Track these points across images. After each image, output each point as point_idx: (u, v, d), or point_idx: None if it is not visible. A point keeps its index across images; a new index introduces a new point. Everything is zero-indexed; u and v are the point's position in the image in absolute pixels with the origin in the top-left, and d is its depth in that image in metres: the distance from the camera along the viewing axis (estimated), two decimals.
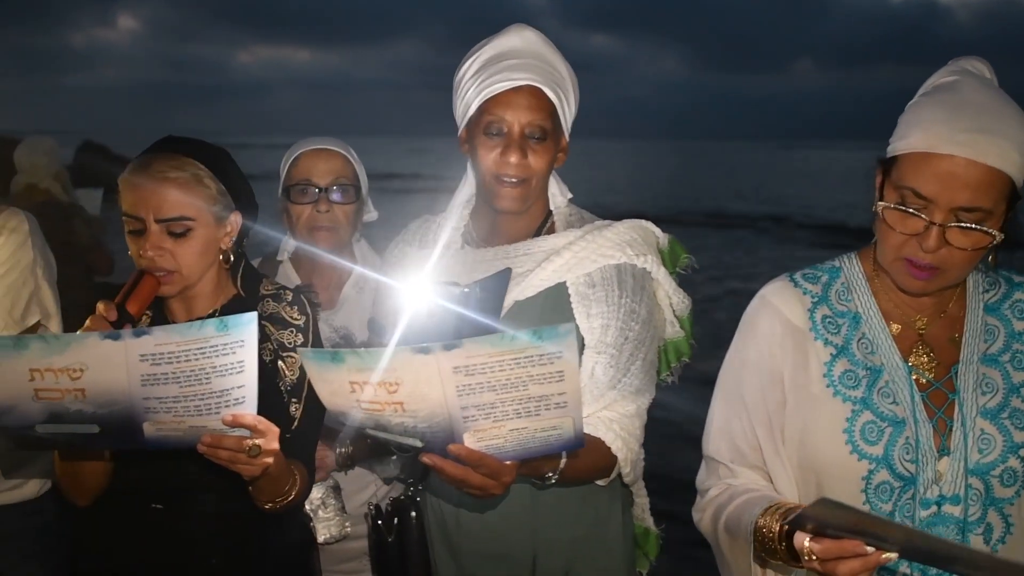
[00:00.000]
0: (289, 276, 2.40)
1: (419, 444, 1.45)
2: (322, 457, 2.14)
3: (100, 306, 1.69)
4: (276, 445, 1.59)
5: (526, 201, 1.94)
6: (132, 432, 1.51)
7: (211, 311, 1.89)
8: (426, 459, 1.47)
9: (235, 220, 1.87)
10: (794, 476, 1.65)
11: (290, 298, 1.92)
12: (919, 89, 1.64)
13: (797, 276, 1.72)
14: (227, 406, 1.50)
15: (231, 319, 1.45)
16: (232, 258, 1.89)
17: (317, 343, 1.89)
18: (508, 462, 1.50)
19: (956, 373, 1.61)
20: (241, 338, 1.45)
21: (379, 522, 2.07)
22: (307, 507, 2.23)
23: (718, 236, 20.40)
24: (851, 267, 1.71)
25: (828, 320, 1.66)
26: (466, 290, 1.72)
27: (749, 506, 1.59)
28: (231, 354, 1.46)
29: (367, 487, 2.34)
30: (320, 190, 2.33)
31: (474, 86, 1.92)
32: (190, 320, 1.85)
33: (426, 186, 27.70)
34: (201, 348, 1.44)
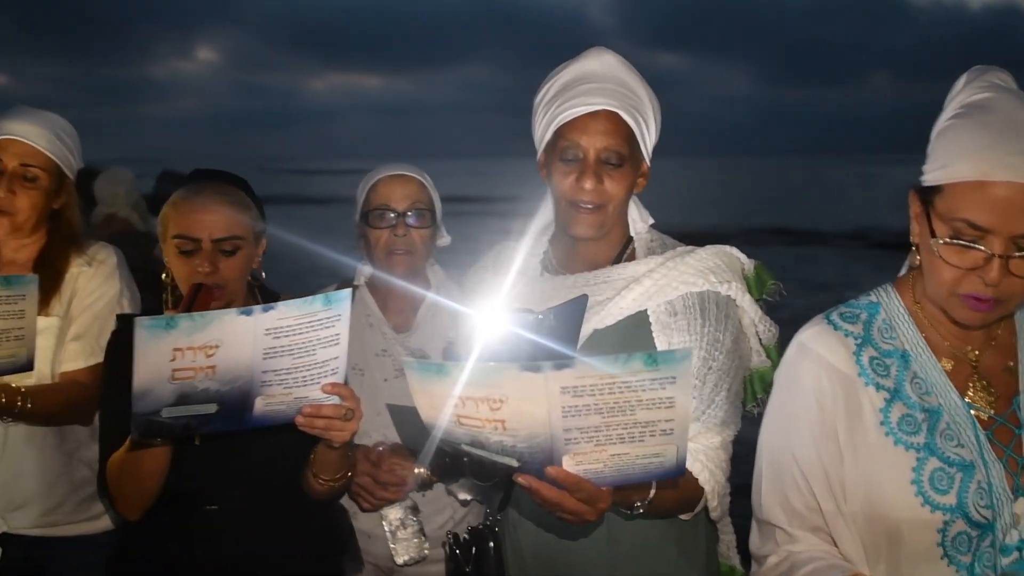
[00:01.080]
0: (366, 301, 2.44)
1: (515, 464, 1.43)
2: (402, 476, 2.17)
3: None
4: (361, 411, 1.73)
5: (602, 227, 1.90)
6: (243, 410, 1.61)
7: None
8: (521, 480, 1.45)
9: (264, 241, 2.08)
10: (860, 535, 1.54)
11: None
12: (947, 106, 1.55)
13: (834, 317, 1.62)
14: (325, 377, 1.64)
15: (333, 295, 1.59)
16: (262, 275, 2.07)
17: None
18: (604, 488, 1.46)
19: (1019, 405, 1.52)
20: (339, 312, 1.59)
21: (457, 551, 2.07)
22: (385, 528, 2.26)
23: (788, 253, 20.04)
24: (889, 301, 1.62)
25: (876, 362, 1.57)
26: (540, 317, 1.72)
27: None
28: (331, 327, 1.60)
29: (444, 509, 2.34)
30: (397, 215, 2.37)
31: (551, 110, 1.90)
32: None
33: (495, 209, 27.79)
34: (310, 321, 1.58)
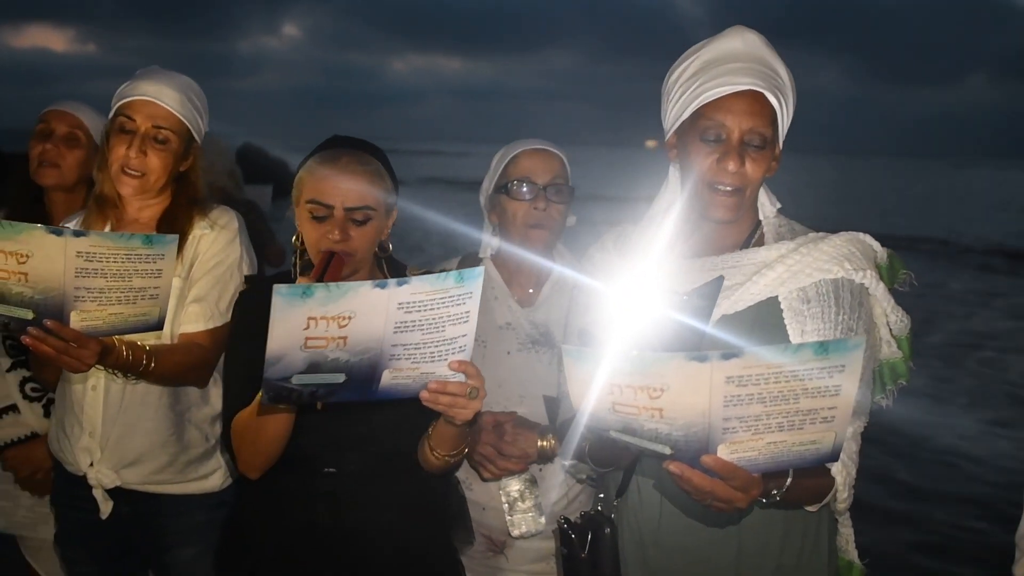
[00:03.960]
0: (491, 274, 2.46)
1: (667, 451, 1.43)
2: (525, 448, 2.20)
3: (303, 282, 1.78)
4: (485, 391, 1.72)
5: (739, 210, 1.86)
6: (370, 381, 1.62)
7: None
8: (673, 467, 1.44)
9: (395, 213, 2.06)
10: None
11: None
12: None
13: None
14: (452, 353, 1.64)
15: (466, 272, 1.58)
16: (390, 247, 2.06)
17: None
18: (756, 475, 1.46)
19: None
20: (471, 290, 1.59)
21: (572, 535, 2.03)
22: (503, 500, 2.28)
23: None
24: None
25: None
26: (685, 298, 1.68)
27: None
28: (462, 304, 1.59)
29: (560, 485, 2.35)
30: (539, 188, 2.38)
31: (690, 89, 1.85)
32: None
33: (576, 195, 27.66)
34: (442, 298, 1.57)
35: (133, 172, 2.33)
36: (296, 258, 2.05)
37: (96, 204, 2.43)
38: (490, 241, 2.50)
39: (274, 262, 5.35)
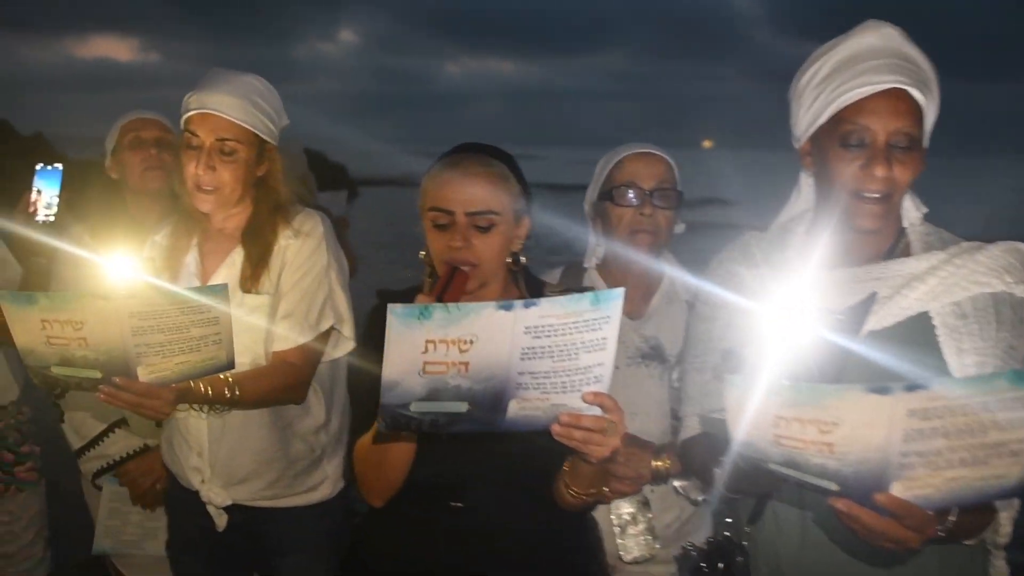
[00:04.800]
0: (596, 283, 2.38)
1: (834, 488, 1.33)
2: (639, 469, 2.10)
3: (422, 300, 1.69)
4: (625, 426, 1.57)
5: (886, 218, 1.73)
6: (495, 411, 1.50)
7: None
8: (841, 506, 1.34)
9: (525, 224, 1.92)
10: None
11: None
12: None
13: None
14: (587, 384, 1.49)
15: (603, 294, 1.44)
16: (522, 260, 1.92)
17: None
18: (931, 513, 1.34)
19: None
20: (608, 314, 1.44)
21: (703, 565, 1.92)
22: (614, 522, 2.18)
23: None
24: None
25: None
26: (839, 317, 1.57)
27: None
28: (598, 330, 1.45)
29: (671, 507, 2.25)
30: (644, 193, 2.29)
31: (826, 92, 1.73)
32: None
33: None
34: (575, 322, 1.44)
35: (206, 188, 2.28)
36: (426, 275, 1.95)
37: (182, 217, 2.40)
38: (596, 249, 2.40)
39: (350, 269, 5.34)
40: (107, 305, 1.75)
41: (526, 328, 1.43)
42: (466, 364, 1.43)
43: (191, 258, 2.39)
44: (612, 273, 2.38)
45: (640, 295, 2.37)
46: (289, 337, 2.28)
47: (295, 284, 2.30)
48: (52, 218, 2.66)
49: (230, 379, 2.14)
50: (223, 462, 2.34)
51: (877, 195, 1.69)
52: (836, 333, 1.49)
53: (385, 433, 1.61)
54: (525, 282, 1.96)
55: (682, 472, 2.12)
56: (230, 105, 2.27)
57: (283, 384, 2.28)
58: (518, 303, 1.42)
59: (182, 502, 2.44)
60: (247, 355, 2.26)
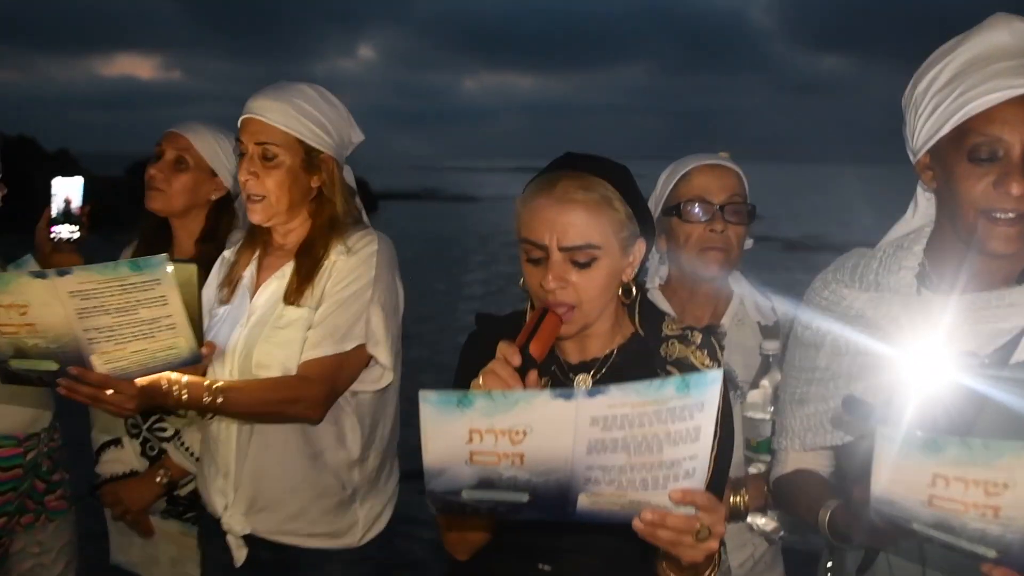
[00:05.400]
0: (660, 304, 2.18)
1: (992, 555, 1.22)
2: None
3: (504, 349, 1.50)
4: (724, 527, 1.34)
5: (1022, 240, 1.52)
6: (564, 503, 1.31)
7: (607, 352, 1.70)
8: (997, 574, 1.22)
9: (639, 248, 1.65)
10: None
11: (699, 340, 1.67)
12: None
13: None
14: (675, 480, 1.27)
15: (692, 378, 1.22)
16: (634, 292, 1.68)
17: (725, 394, 1.59)
18: None
19: None
20: (702, 400, 1.22)
21: None
22: None
23: None
24: None
25: None
26: (986, 361, 1.40)
27: None
28: (688, 419, 1.23)
29: (745, 545, 2.13)
30: (715, 208, 2.14)
31: (949, 99, 1.53)
32: (582, 362, 1.69)
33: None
34: (658, 411, 1.22)
35: (254, 196, 2.19)
36: (528, 305, 1.76)
37: (248, 234, 2.34)
38: (659, 269, 2.25)
39: None
40: (45, 284, 1.69)
41: (592, 419, 1.23)
42: (521, 456, 1.25)
43: (249, 271, 2.32)
44: (678, 293, 2.24)
45: (709, 316, 2.23)
46: (311, 348, 2.16)
47: (332, 295, 2.18)
48: (77, 234, 2.60)
49: (215, 385, 2.03)
50: (246, 485, 2.22)
51: (1012, 215, 1.49)
52: (978, 378, 1.31)
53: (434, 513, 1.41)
54: (640, 314, 1.72)
55: (760, 507, 2.01)
56: (274, 109, 2.18)
57: (282, 397, 2.13)
58: (580, 391, 1.23)
59: (210, 531, 2.33)
60: (278, 369, 2.15)
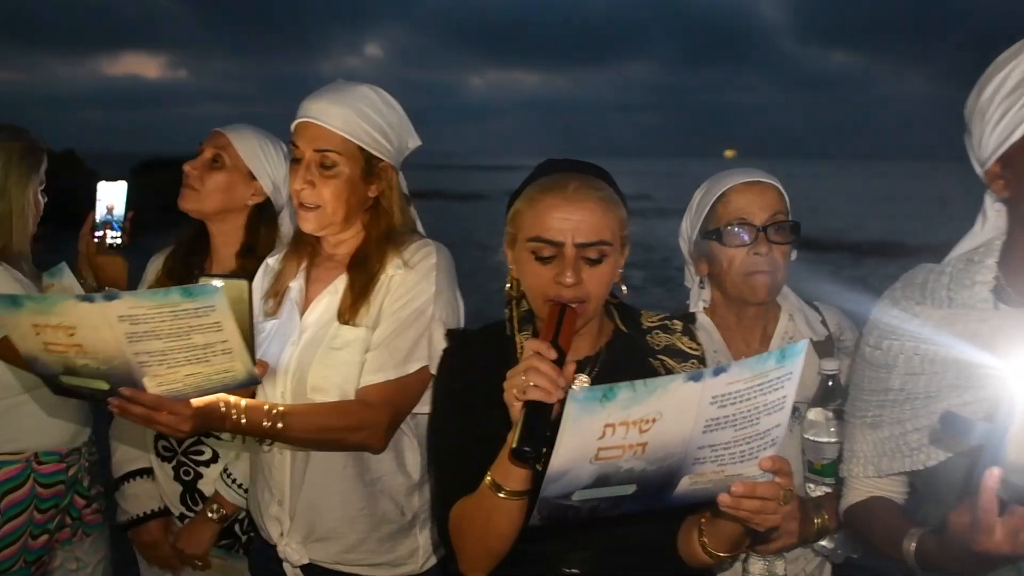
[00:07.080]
0: (707, 329, 2.11)
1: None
2: (804, 526, 1.89)
3: (535, 346, 1.49)
4: (796, 487, 1.41)
5: None
6: (665, 489, 1.36)
7: (596, 351, 1.74)
8: None
9: (627, 248, 1.73)
10: None
11: (680, 328, 1.78)
12: None
13: None
14: (764, 449, 1.35)
15: (788, 349, 1.30)
16: (623, 289, 1.74)
17: None
18: None
19: None
20: (791, 370, 1.30)
21: None
22: None
23: None
24: None
25: None
26: None
27: None
28: (779, 389, 1.31)
29: (797, 558, 2.07)
30: (758, 230, 2.02)
31: (1018, 104, 1.47)
32: (575, 361, 1.66)
33: (653, 207, 27.34)
34: (760, 384, 1.30)
35: (308, 205, 2.06)
36: (512, 309, 1.76)
37: (294, 241, 2.22)
38: (702, 293, 2.15)
39: None
40: (92, 308, 1.63)
41: (712, 398, 1.28)
42: (644, 445, 1.28)
43: (297, 284, 2.18)
44: (724, 318, 2.14)
45: (758, 338, 2.14)
46: (369, 372, 2.02)
47: (391, 315, 2.04)
48: (119, 240, 2.55)
49: (276, 409, 1.94)
50: (302, 513, 2.11)
51: None
52: None
53: (536, 526, 1.42)
54: (619, 313, 1.78)
55: (834, 532, 1.97)
56: (332, 114, 2.04)
57: (345, 424, 2.00)
58: (707, 371, 1.27)
59: (264, 556, 2.23)
60: (335, 393, 2.03)
